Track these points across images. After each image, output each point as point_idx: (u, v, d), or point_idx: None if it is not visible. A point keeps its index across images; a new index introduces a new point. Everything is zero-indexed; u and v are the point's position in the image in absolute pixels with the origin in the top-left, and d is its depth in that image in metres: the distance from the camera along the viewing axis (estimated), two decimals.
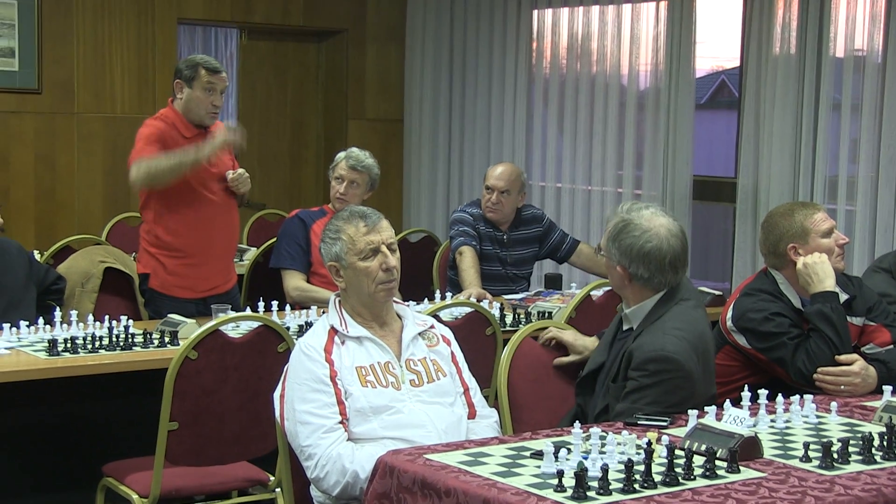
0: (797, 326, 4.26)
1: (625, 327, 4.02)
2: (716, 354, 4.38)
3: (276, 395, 3.80)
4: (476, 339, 4.96)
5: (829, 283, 4.22)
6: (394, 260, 3.84)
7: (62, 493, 5.04)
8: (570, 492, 2.92)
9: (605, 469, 2.95)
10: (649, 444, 3.07)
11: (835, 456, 3.22)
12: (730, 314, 4.39)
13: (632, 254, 3.89)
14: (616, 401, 3.83)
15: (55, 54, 8.59)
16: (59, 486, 5.04)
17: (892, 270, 4.79)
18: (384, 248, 3.82)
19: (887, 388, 3.87)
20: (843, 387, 4.09)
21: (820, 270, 4.24)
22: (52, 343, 4.72)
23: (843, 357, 4.13)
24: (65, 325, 5.03)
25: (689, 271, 7.95)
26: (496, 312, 5.52)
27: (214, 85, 5.66)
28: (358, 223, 3.83)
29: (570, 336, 4.31)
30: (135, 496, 4.44)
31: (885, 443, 3.32)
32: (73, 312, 5.08)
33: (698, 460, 3.13)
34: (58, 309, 5.18)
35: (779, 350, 4.21)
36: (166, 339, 4.92)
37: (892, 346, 4.29)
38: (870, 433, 3.33)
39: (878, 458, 3.27)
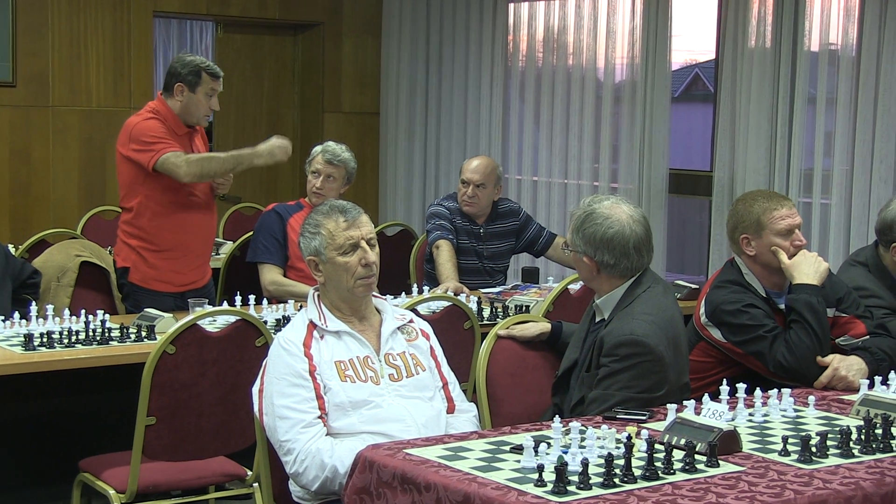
0: (770, 317, 4.27)
1: (597, 319, 4.04)
2: (690, 351, 4.41)
3: (255, 389, 3.80)
4: (454, 333, 4.96)
5: (818, 280, 4.23)
6: (373, 255, 3.83)
7: (38, 488, 5.02)
8: (550, 486, 2.92)
9: (585, 463, 2.95)
10: (629, 438, 3.07)
11: (813, 450, 3.24)
12: (702, 309, 4.39)
13: (595, 241, 3.93)
14: (590, 390, 3.85)
15: (30, 47, 8.54)
16: (35, 482, 5.02)
17: (868, 264, 4.80)
18: (364, 244, 3.82)
19: (864, 382, 3.88)
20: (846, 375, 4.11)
21: (815, 265, 4.26)
22: (29, 338, 4.69)
23: (820, 359, 4.14)
24: (41, 320, 5.01)
25: (665, 264, 8.10)
26: (473, 306, 5.52)
27: (215, 91, 5.69)
28: (338, 218, 3.82)
29: (527, 331, 4.31)
30: (111, 491, 4.42)
31: (862, 436, 3.34)
32: (49, 307, 5.06)
33: (678, 454, 3.14)
34: (34, 303, 5.15)
35: (756, 343, 4.21)
36: (143, 334, 4.90)
37: (867, 337, 4.29)
38: (847, 427, 3.35)
39: (855, 452, 3.29)
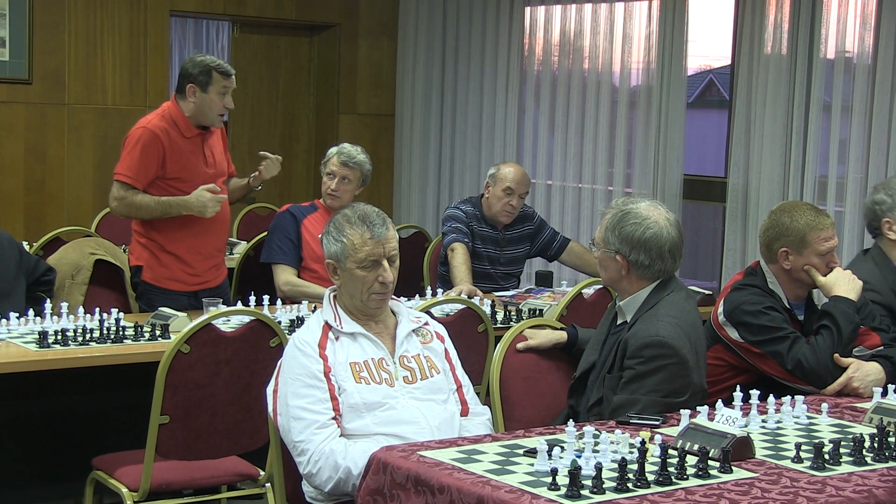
0: (788, 324, 4.28)
1: (619, 321, 4.05)
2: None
3: (270, 389, 3.80)
4: (468, 335, 4.96)
5: (855, 296, 4.27)
6: (392, 274, 3.82)
7: (51, 485, 5.03)
8: (563, 490, 2.93)
9: (598, 468, 2.96)
10: (643, 443, 3.08)
11: (826, 457, 3.24)
12: (721, 308, 4.39)
13: (633, 241, 3.94)
14: (612, 392, 3.85)
15: (46, 45, 8.56)
16: (48, 479, 5.03)
17: (874, 257, 4.82)
18: (385, 262, 3.80)
19: (877, 391, 3.88)
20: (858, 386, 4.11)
21: (852, 282, 4.29)
22: (43, 335, 4.71)
23: (839, 358, 4.15)
24: (55, 318, 5.02)
25: (679, 270, 8.06)
26: (487, 309, 5.52)
27: (228, 89, 5.68)
28: (364, 232, 3.80)
29: (542, 340, 4.32)
30: (124, 490, 4.43)
31: (875, 444, 3.34)
32: (64, 304, 5.07)
33: (691, 460, 3.15)
34: (48, 301, 5.16)
35: (774, 343, 4.20)
36: (157, 333, 4.91)
37: (881, 348, 4.29)
38: (861, 434, 3.35)
39: (868, 460, 3.29)
